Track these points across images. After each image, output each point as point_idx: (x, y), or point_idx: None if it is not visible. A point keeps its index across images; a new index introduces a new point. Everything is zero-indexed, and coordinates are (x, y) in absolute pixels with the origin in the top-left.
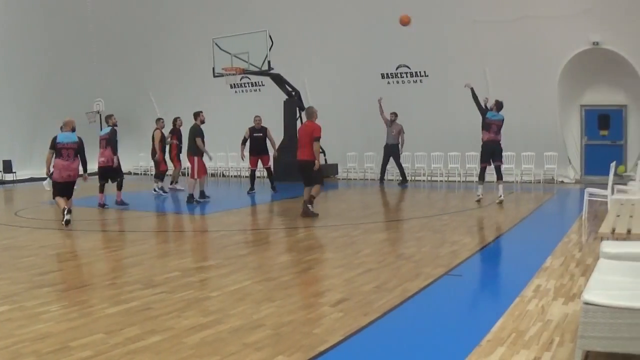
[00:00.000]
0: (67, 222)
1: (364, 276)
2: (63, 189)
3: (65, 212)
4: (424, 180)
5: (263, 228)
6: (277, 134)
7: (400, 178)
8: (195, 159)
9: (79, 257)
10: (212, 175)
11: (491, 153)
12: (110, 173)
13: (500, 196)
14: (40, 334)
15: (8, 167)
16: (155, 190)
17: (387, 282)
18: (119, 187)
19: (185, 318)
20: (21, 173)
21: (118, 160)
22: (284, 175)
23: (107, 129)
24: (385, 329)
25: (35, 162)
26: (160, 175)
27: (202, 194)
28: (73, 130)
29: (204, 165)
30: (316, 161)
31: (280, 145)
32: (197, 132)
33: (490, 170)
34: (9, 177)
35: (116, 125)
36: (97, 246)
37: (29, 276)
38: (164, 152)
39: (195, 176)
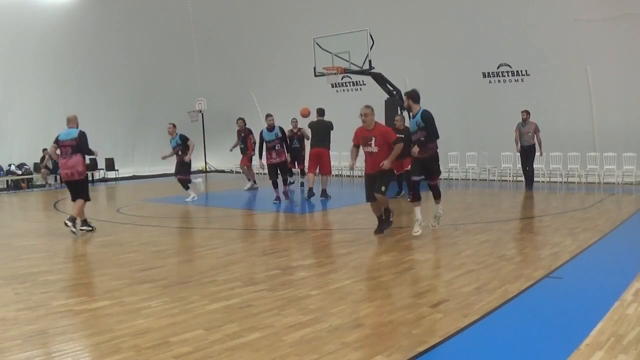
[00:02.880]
0: (73, 232)
1: (464, 277)
2: (70, 189)
3: (68, 220)
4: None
5: (363, 227)
6: None
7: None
8: (329, 154)
9: (180, 254)
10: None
11: None
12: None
13: None
14: (140, 329)
15: (111, 165)
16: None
17: (487, 283)
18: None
19: (284, 316)
20: (123, 171)
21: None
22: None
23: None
24: (485, 331)
25: (137, 160)
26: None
27: (324, 192)
28: (77, 126)
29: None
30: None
31: None
32: (330, 127)
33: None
34: (111, 174)
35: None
36: (198, 243)
37: (130, 272)
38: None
39: (327, 172)
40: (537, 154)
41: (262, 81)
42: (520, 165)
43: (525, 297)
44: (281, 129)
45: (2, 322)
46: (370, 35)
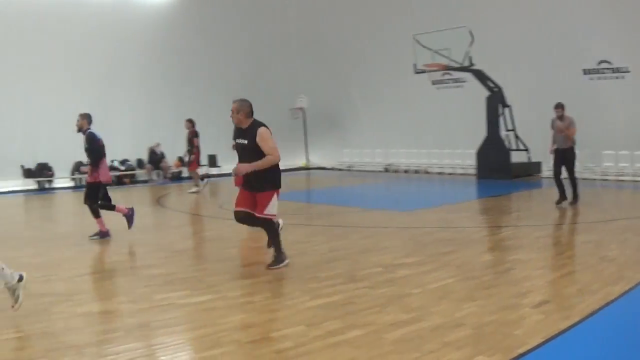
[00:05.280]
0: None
1: (566, 278)
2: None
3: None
4: (626, 181)
5: (465, 226)
6: (480, 131)
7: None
8: None
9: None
10: (415, 172)
11: None
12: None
13: None
14: (242, 324)
15: (213, 161)
16: None
17: (589, 284)
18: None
19: (386, 314)
20: (226, 167)
21: None
22: (489, 172)
23: None
24: (586, 333)
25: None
26: None
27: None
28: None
29: None
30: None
31: (484, 142)
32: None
33: None
34: (214, 171)
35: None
36: (302, 239)
37: (233, 267)
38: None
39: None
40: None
41: (363, 78)
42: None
43: (628, 300)
44: None
45: (104, 315)
46: (470, 32)
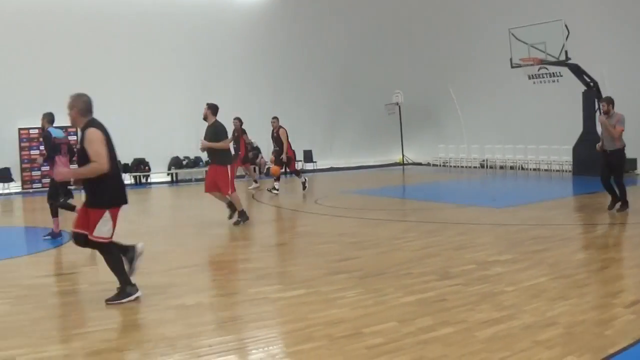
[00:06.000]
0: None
1: None
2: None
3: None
4: None
5: (560, 223)
6: (576, 126)
7: None
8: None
9: (377, 245)
10: (511, 167)
11: None
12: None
13: None
14: (334, 319)
15: (309, 156)
16: None
17: None
18: None
19: (478, 311)
20: (321, 163)
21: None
22: (584, 169)
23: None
24: None
25: (335, 152)
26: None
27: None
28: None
29: None
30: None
31: (580, 138)
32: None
33: None
34: (309, 166)
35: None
36: (395, 235)
37: (326, 262)
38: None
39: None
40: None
41: (458, 73)
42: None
43: None
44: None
45: (198, 307)
46: (566, 26)
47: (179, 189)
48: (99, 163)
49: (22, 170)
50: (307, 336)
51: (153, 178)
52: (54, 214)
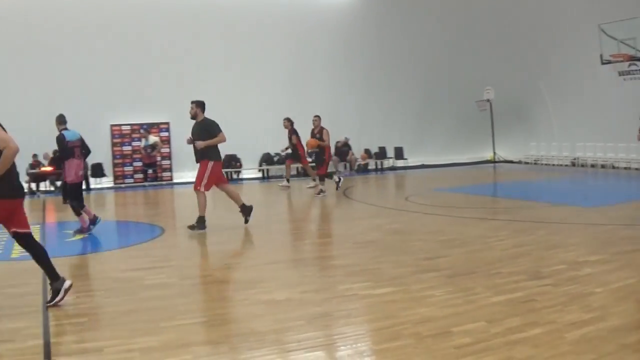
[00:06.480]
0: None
1: None
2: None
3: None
4: None
5: None
6: None
7: None
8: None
9: (467, 244)
10: (602, 166)
11: None
12: None
13: None
14: (423, 317)
15: (400, 154)
16: None
17: None
18: None
19: (567, 313)
20: (412, 160)
21: None
22: None
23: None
24: None
25: (426, 149)
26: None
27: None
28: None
29: None
30: None
31: None
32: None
33: None
34: (399, 163)
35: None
36: (485, 234)
37: (416, 260)
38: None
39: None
40: None
41: (550, 70)
42: None
43: None
44: None
45: (287, 303)
46: None
47: (270, 185)
48: (8, 147)
49: (114, 165)
50: (395, 334)
51: (244, 174)
52: (77, 213)
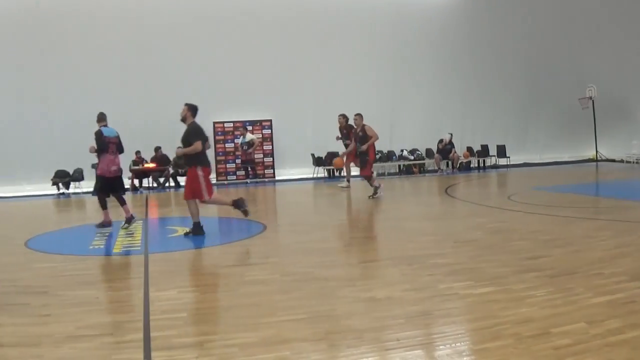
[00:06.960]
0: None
1: None
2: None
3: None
4: None
5: None
6: None
7: None
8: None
9: (569, 243)
10: None
11: None
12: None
13: None
14: (523, 318)
15: (502, 152)
16: None
17: None
18: None
19: None
20: (514, 158)
21: None
22: None
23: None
24: None
25: (528, 148)
26: None
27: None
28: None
29: None
30: None
31: None
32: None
33: None
34: (502, 161)
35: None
36: (587, 234)
37: (518, 260)
38: None
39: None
40: None
41: None
42: None
43: None
44: None
45: (387, 301)
46: None
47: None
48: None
49: (217, 162)
50: (495, 334)
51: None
52: (103, 206)
